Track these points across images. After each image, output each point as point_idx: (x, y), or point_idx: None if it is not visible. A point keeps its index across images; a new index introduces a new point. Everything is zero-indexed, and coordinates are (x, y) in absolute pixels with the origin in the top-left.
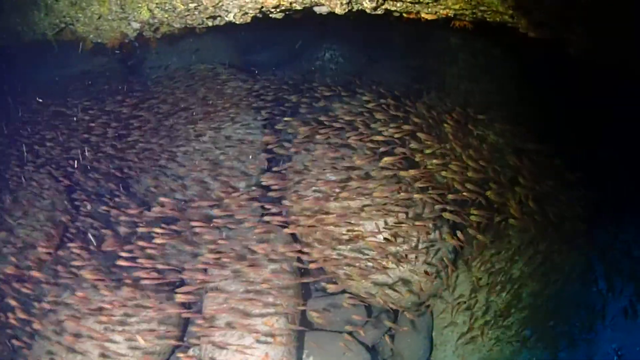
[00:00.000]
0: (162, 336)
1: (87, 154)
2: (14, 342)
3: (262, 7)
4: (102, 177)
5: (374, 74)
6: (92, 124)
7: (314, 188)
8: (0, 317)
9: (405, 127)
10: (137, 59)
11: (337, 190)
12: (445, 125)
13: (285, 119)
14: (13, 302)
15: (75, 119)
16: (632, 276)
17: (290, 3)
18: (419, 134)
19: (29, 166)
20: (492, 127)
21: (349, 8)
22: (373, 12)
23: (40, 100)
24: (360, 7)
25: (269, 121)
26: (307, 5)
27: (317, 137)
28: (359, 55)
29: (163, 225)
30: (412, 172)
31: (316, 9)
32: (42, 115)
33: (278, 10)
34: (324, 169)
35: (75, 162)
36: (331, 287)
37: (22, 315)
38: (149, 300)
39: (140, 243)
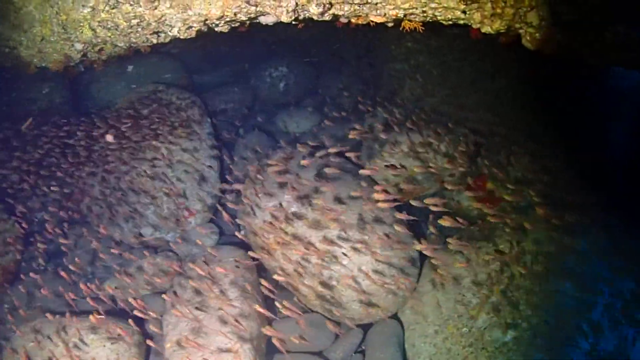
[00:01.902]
0: None
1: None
2: None
3: (206, 19)
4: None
5: (325, 89)
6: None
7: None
8: None
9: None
10: (82, 84)
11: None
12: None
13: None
14: None
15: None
16: None
17: (235, 14)
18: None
19: None
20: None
21: (295, 15)
22: (320, 19)
23: None
24: (307, 15)
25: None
26: (252, 15)
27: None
28: (309, 70)
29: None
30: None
31: (262, 19)
32: None
33: (223, 22)
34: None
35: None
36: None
37: None
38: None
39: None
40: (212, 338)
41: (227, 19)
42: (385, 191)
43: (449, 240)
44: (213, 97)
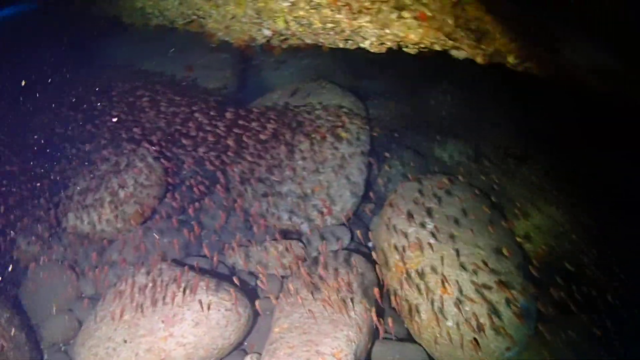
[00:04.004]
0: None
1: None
2: None
3: (401, 41)
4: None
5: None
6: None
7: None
8: None
9: None
10: (255, 61)
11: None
12: None
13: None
14: None
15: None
16: None
17: (431, 43)
18: None
19: None
20: None
21: (491, 61)
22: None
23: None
24: (501, 61)
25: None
26: (447, 47)
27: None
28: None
29: None
30: None
31: (454, 52)
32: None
33: (416, 46)
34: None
35: None
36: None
37: None
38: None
39: None
40: (320, 338)
41: (422, 45)
42: None
43: None
44: (375, 105)
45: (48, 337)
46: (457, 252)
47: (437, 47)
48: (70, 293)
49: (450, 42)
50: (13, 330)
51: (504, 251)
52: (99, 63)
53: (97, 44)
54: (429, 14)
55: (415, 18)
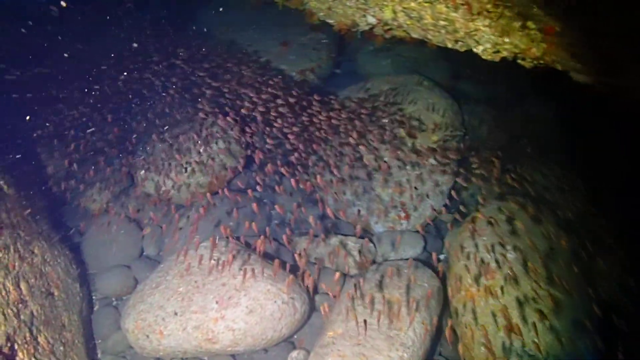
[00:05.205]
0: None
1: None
2: None
3: (519, 53)
4: None
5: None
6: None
7: None
8: None
9: None
10: (352, 45)
11: None
12: None
13: None
14: None
15: None
16: None
17: (553, 61)
18: None
19: None
20: None
21: (615, 94)
22: None
23: None
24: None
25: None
26: (567, 69)
27: None
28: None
29: None
30: None
31: (573, 74)
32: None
33: (534, 61)
34: None
35: None
36: None
37: None
38: None
39: None
40: (372, 354)
41: (542, 62)
42: None
43: None
44: (471, 111)
45: (102, 289)
46: (535, 292)
47: (557, 66)
48: (132, 250)
49: (577, 65)
50: (69, 280)
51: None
52: (192, 30)
53: (193, 10)
54: (558, 29)
55: (540, 30)
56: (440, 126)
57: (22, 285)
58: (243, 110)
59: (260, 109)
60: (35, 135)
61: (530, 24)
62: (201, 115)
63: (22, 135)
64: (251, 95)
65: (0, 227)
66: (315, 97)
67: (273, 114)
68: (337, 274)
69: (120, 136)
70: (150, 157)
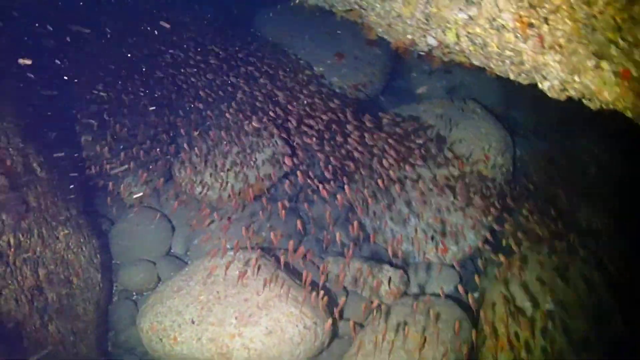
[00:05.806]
0: None
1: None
2: None
3: (590, 95)
4: None
5: None
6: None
7: None
8: None
9: None
10: (407, 64)
11: None
12: None
13: None
14: None
15: None
16: None
17: (625, 107)
18: None
19: None
20: None
21: None
22: None
23: None
24: None
25: None
26: (637, 116)
27: None
28: None
29: None
30: None
31: None
32: None
33: (602, 104)
34: None
35: None
36: None
37: None
38: None
39: None
40: None
41: (611, 107)
42: None
43: None
44: (523, 144)
45: (124, 281)
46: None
47: (628, 114)
48: (161, 247)
49: None
50: (90, 269)
51: None
52: (247, 34)
53: (249, 14)
54: (635, 74)
55: (615, 73)
56: (490, 159)
57: (40, 272)
58: (289, 121)
59: (310, 121)
60: (77, 116)
61: (604, 64)
62: (254, 124)
63: (62, 116)
64: (299, 106)
65: (26, 210)
66: (367, 118)
67: (321, 130)
68: (364, 305)
69: (164, 130)
70: (192, 155)
